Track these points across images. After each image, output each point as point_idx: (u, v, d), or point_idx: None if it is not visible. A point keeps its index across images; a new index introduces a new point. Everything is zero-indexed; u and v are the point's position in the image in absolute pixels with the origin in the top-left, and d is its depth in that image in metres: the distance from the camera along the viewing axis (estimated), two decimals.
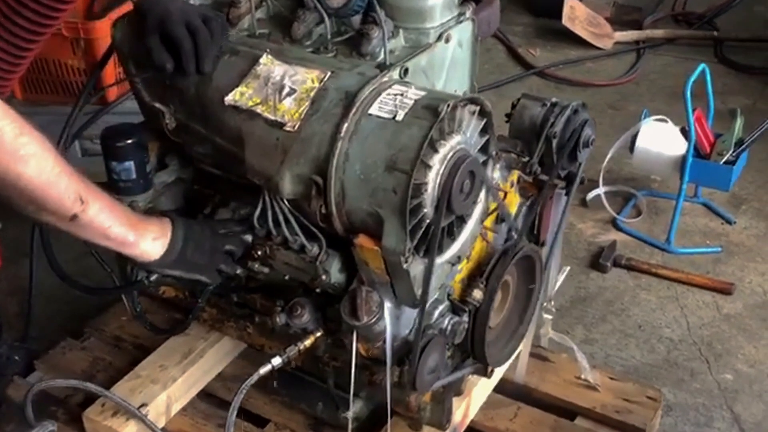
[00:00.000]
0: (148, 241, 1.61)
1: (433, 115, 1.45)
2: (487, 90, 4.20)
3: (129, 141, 1.77)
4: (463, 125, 1.53)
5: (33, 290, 2.36)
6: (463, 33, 1.78)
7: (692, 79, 2.92)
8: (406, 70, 1.63)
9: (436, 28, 1.70)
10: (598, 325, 2.77)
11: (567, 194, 1.99)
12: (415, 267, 1.50)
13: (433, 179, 1.47)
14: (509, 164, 1.85)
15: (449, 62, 1.76)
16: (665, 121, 3.17)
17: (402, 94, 1.51)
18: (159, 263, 1.64)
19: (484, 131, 1.61)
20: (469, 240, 1.66)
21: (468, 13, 1.78)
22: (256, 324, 1.97)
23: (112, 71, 2.82)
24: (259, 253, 1.72)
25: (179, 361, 2.16)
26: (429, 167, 1.45)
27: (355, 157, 1.48)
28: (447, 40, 1.73)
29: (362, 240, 1.51)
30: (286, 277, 1.73)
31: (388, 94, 1.52)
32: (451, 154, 1.48)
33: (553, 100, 1.93)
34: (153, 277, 1.78)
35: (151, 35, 1.64)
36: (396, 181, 1.44)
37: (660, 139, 3.11)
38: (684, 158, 2.99)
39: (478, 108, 1.56)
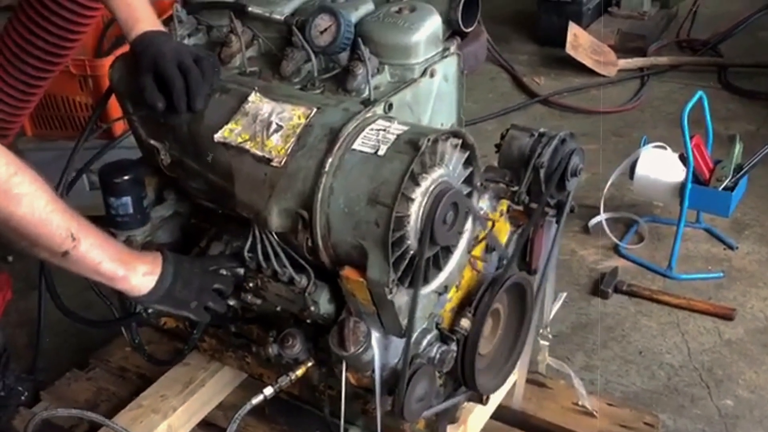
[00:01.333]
0: (138, 277, 1.65)
1: (414, 149, 1.49)
2: (491, 119, 4.25)
3: (126, 177, 1.83)
4: (446, 158, 1.57)
5: (41, 322, 2.42)
6: (448, 67, 1.83)
7: (689, 106, 2.95)
8: (391, 105, 1.67)
9: (420, 64, 1.75)
10: (598, 351, 2.78)
11: (557, 222, 2.02)
12: (400, 298, 1.53)
13: (415, 212, 1.50)
14: (498, 194, 1.89)
15: (435, 96, 1.81)
16: (664, 147, 3.20)
17: (385, 129, 1.55)
18: (147, 298, 1.68)
19: (468, 163, 1.65)
20: (456, 270, 1.69)
21: (453, 48, 1.83)
22: (254, 354, 2.01)
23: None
24: (251, 285, 1.76)
25: (180, 391, 2.20)
26: (411, 200, 1.49)
27: (339, 191, 1.52)
28: (432, 75, 1.77)
29: (348, 272, 1.55)
30: (278, 308, 1.77)
31: (372, 129, 1.56)
32: (433, 186, 1.52)
33: (541, 130, 1.96)
34: (151, 309, 1.82)
35: (145, 75, 1.70)
36: (378, 214, 1.48)
37: (659, 165, 3.14)
38: (683, 185, 3.01)
39: (460, 141, 1.60)
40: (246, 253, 1.71)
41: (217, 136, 1.66)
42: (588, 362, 2.72)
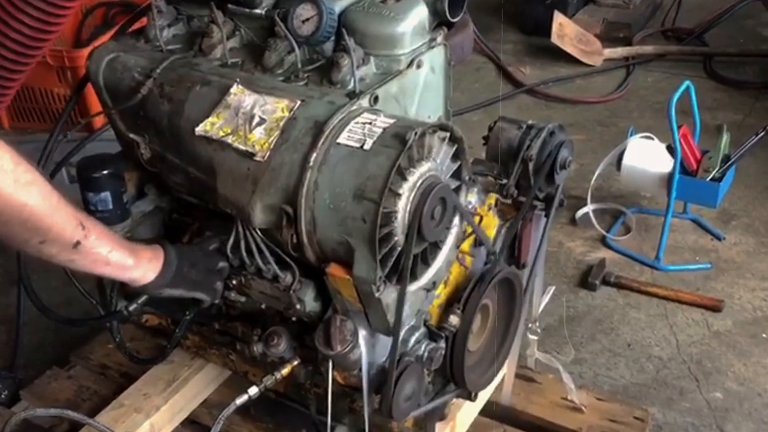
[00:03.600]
0: (145, 263, 1.60)
1: (401, 143, 1.45)
2: (477, 109, 4.21)
3: (105, 171, 1.78)
4: (433, 152, 1.53)
5: (21, 318, 2.37)
6: (435, 58, 1.78)
7: (676, 96, 2.92)
8: (376, 98, 1.62)
9: (407, 55, 1.70)
10: (587, 344, 2.75)
11: (546, 216, 1.99)
12: (388, 295, 1.49)
13: (402, 207, 1.46)
14: (486, 187, 1.85)
15: (421, 88, 1.76)
16: (651, 138, 3.17)
17: (370, 123, 1.51)
18: (157, 284, 1.63)
19: (455, 157, 1.61)
20: (444, 266, 1.65)
21: (439, 39, 1.78)
22: (238, 351, 1.97)
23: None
24: (234, 282, 1.71)
25: (163, 389, 2.16)
26: (398, 195, 1.45)
27: (324, 186, 1.48)
28: (418, 66, 1.72)
29: (334, 269, 1.51)
30: (263, 306, 1.73)
31: (357, 123, 1.52)
32: (420, 181, 1.48)
33: (530, 122, 1.93)
34: (132, 307, 1.78)
35: None
36: (364, 210, 1.43)
37: (646, 156, 3.11)
38: (670, 175, 2.99)
39: (448, 134, 1.56)
40: (229, 250, 1.66)
41: (198, 130, 1.61)
42: (576, 355, 2.69)
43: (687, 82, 3.00)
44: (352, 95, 1.59)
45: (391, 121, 1.52)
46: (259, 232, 1.60)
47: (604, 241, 3.25)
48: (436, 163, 1.54)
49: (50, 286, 1.88)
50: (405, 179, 1.46)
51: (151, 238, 1.91)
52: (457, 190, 1.65)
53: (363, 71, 1.66)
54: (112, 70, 1.78)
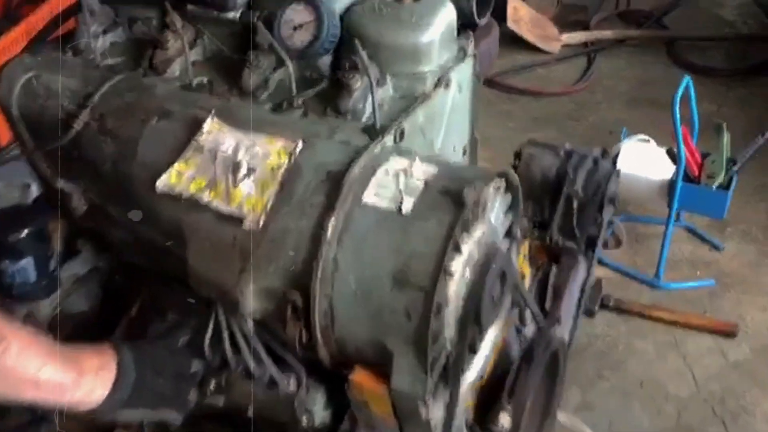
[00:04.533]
0: (90, 377, 1.13)
1: (455, 203, 1.04)
2: None
3: (24, 232, 1.31)
4: (488, 208, 1.12)
5: None
6: (463, 74, 1.37)
7: (678, 94, 2.58)
8: (402, 133, 1.20)
9: (433, 72, 1.28)
10: (594, 384, 2.40)
11: (588, 260, 1.62)
12: (437, 411, 1.09)
13: (454, 290, 1.06)
14: (523, 233, 1.46)
15: (449, 112, 1.35)
16: (647, 140, 2.83)
17: (405, 172, 1.09)
18: (109, 405, 1.14)
19: (508, 209, 1.21)
20: (491, 349, 1.26)
21: (470, 49, 1.36)
22: None
23: None
24: (213, 385, 1.26)
25: None
26: (450, 276, 1.04)
27: (347, 265, 1.06)
28: (447, 85, 1.31)
29: (361, 377, 1.09)
30: (249, 414, 1.29)
31: (387, 173, 1.10)
32: (475, 251, 1.08)
33: (567, 147, 1.55)
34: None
35: None
36: (409, 301, 1.02)
37: (643, 161, 2.77)
38: (672, 183, 2.65)
39: (503, 183, 1.16)
40: (207, 345, 1.22)
41: (161, 184, 1.16)
42: (584, 399, 2.34)
43: (687, 78, 2.67)
44: (372, 131, 1.17)
45: (433, 168, 1.10)
46: (250, 324, 1.17)
47: None
48: (490, 223, 1.13)
49: None
50: (459, 252, 1.05)
51: (83, 311, 1.45)
52: (509, 250, 1.25)
53: (379, 96, 1.23)
54: (30, 95, 1.31)
